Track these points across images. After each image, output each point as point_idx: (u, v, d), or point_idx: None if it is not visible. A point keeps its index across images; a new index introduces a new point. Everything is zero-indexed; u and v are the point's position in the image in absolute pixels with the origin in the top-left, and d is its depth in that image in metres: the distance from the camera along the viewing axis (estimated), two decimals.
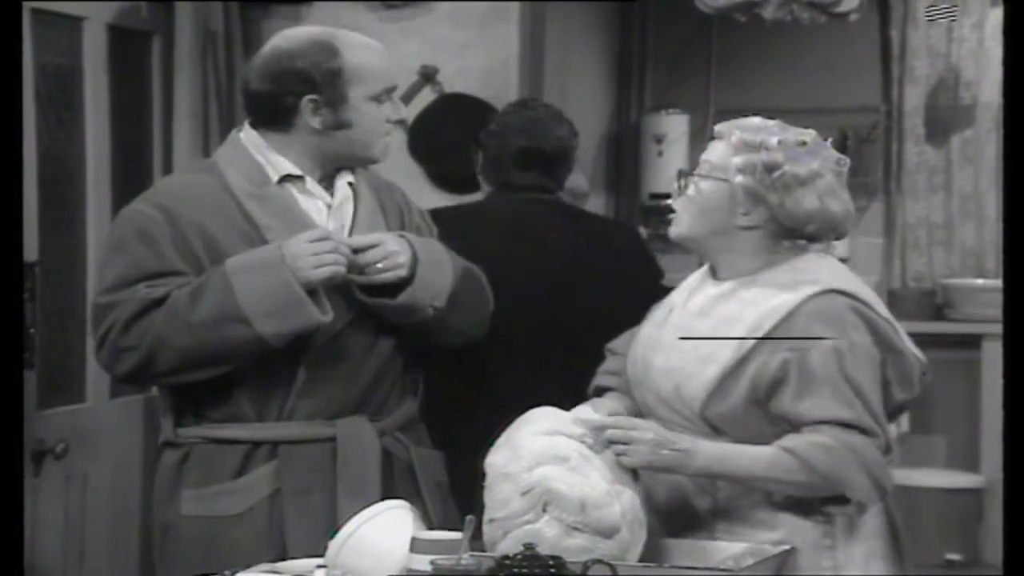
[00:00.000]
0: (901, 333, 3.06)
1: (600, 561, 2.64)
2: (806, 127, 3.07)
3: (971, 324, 6.38)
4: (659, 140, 6.58)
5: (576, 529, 2.75)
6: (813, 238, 3.03)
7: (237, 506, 3.24)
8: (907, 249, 6.84)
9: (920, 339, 3.16)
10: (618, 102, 6.86)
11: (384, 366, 3.30)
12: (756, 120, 3.06)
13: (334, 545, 2.76)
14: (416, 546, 2.63)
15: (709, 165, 3.04)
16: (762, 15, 5.09)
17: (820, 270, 3.02)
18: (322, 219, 3.31)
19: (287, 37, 3.38)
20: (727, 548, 2.92)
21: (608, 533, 2.76)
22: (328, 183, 3.35)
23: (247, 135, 3.37)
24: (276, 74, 3.29)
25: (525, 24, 5.28)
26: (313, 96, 3.27)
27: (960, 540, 6.13)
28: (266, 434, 3.25)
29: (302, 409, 3.25)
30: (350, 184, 3.38)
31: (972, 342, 6.29)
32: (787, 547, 2.92)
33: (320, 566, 2.67)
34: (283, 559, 3.02)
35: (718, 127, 3.08)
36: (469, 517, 2.68)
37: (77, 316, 4.81)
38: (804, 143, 3.01)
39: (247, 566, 2.91)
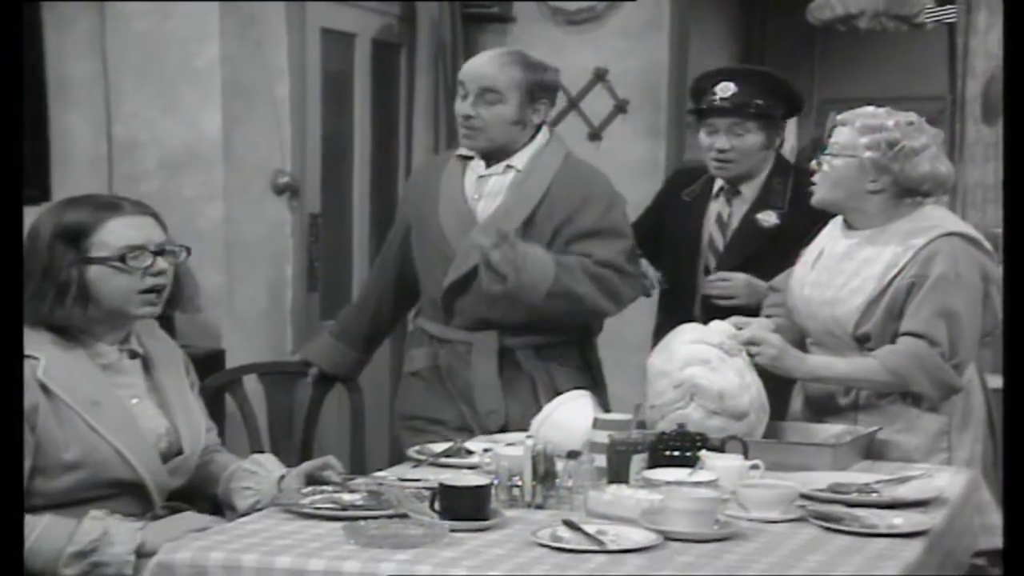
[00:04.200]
0: (1000, 266, 2.97)
1: (734, 437, 2.68)
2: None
3: None
4: None
5: (715, 413, 2.75)
6: (927, 195, 2.97)
7: (411, 366, 3.41)
8: (967, 207, 6.67)
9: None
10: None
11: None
12: (870, 108, 3.00)
13: (536, 422, 2.77)
14: (597, 424, 2.62)
15: (839, 146, 2.97)
16: (858, 26, 4.99)
17: (940, 218, 2.97)
18: None
19: None
20: (828, 428, 2.90)
21: (740, 417, 2.76)
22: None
23: None
24: None
25: (674, 35, 5.24)
26: None
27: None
28: (434, 331, 3.35)
29: (455, 323, 3.31)
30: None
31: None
32: (875, 428, 2.89)
33: (528, 436, 2.72)
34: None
35: (841, 116, 3.01)
36: (638, 404, 2.71)
37: (345, 254, 4.94)
38: (912, 122, 2.95)
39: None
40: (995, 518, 2.77)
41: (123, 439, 2.37)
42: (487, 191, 3.26)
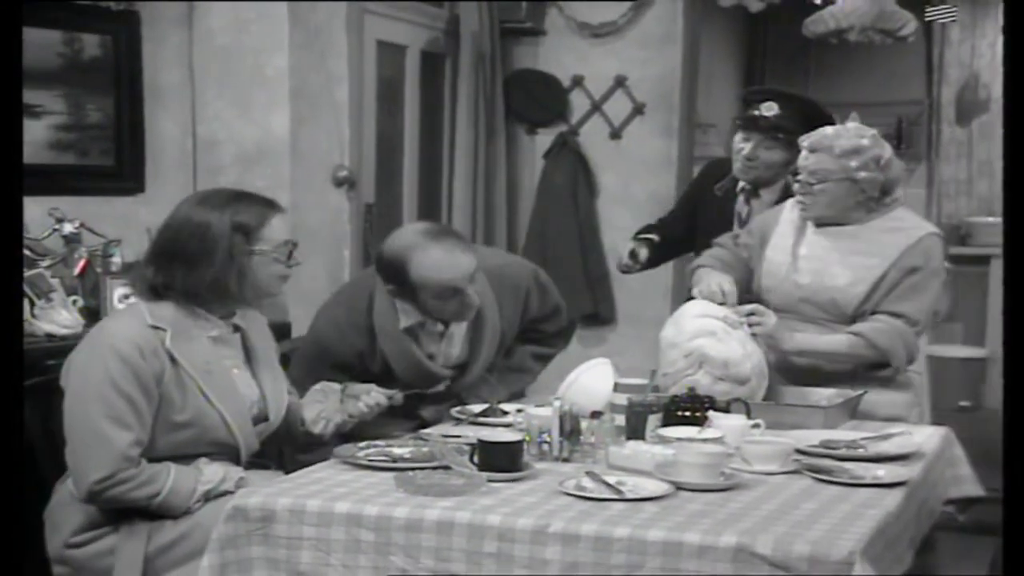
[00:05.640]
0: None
1: (738, 399, 2.65)
2: (875, 116, 2.94)
3: (983, 248, 6.24)
4: None
5: (721, 379, 2.72)
6: (894, 190, 2.91)
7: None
8: (941, 198, 6.67)
9: (950, 259, 3.11)
10: (744, 97, 6.73)
11: None
12: (829, 130, 2.88)
13: (563, 386, 2.74)
14: (617, 388, 2.58)
15: (824, 172, 2.86)
16: (848, 38, 4.91)
17: (918, 219, 2.95)
18: None
19: None
20: (822, 391, 2.86)
21: (742, 382, 2.73)
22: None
23: None
24: None
25: (686, 46, 5.19)
26: None
27: (970, 392, 6.03)
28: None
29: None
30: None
31: (984, 260, 6.17)
32: (862, 391, 2.85)
33: (556, 399, 2.69)
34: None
35: (808, 143, 2.88)
36: (653, 369, 2.68)
37: None
38: (875, 134, 2.88)
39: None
40: (964, 470, 2.75)
41: (227, 406, 2.39)
42: (455, 341, 2.94)
